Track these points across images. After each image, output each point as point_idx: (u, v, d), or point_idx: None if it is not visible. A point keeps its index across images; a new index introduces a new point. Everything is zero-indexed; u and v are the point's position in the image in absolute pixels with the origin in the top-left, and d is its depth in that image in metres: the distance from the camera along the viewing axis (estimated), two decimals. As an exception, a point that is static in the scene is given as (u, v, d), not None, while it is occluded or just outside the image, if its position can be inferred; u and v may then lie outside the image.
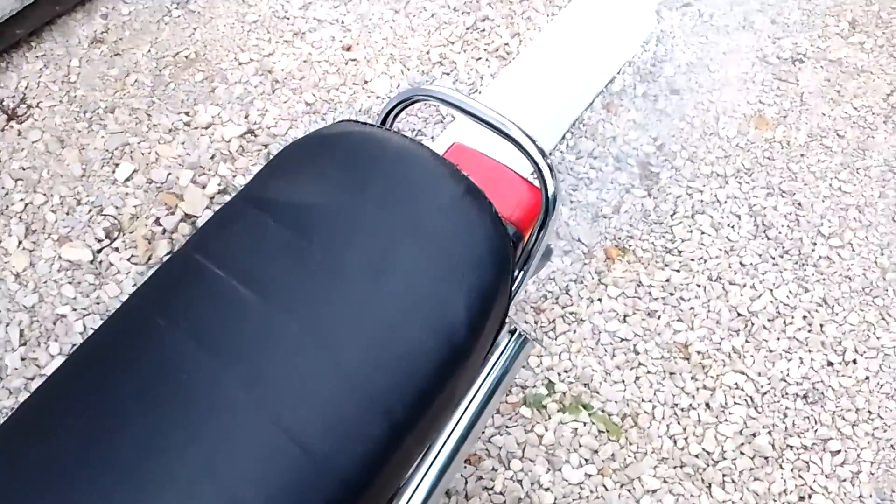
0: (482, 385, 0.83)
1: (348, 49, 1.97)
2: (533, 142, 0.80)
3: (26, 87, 1.83)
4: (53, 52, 1.92)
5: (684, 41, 2.12)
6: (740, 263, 1.63)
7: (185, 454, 0.56)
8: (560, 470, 1.36)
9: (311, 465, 0.58)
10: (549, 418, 1.41)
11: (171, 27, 1.99)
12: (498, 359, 0.85)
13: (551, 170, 0.80)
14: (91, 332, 1.40)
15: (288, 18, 2.03)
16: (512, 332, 0.87)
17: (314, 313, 0.64)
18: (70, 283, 1.49)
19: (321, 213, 0.70)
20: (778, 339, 1.52)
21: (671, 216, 1.70)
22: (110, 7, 2.03)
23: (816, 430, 1.42)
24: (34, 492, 0.55)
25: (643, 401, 1.44)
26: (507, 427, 1.40)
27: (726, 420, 1.43)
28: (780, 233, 1.68)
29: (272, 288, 0.65)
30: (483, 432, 1.39)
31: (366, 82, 1.90)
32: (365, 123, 0.86)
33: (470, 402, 0.81)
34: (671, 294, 1.58)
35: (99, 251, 1.54)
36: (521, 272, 0.86)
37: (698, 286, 1.59)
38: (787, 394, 1.46)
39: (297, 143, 0.82)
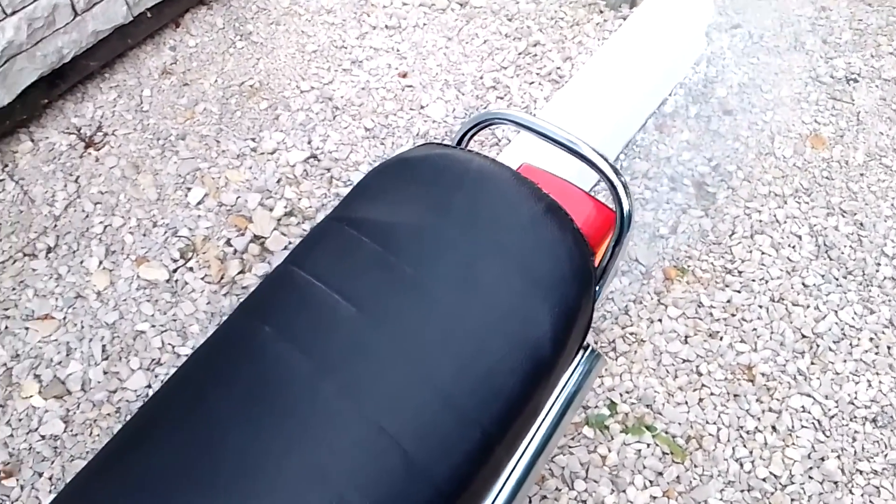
0: (557, 399, 0.84)
1: (404, 76, 2.02)
2: (607, 161, 0.82)
3: (102, 116, 1.93)
4: (126, 82, 2.02)
5: (735, 62, 2.12)
6: (803, 284, 1.62)
7: (293, 457, 0.59)
8: (625, 491, 1.36)
9: (411, 473, 0.60)
10: (612, 439, 1.42)
11: (236, 58, 2.07)
12: (572, 374, 0.87)
13: (625, 187, 0.83)
14: (170, 347, 1.46)
15: (345, 47, 2.10)
16: (585, 348, 0.89)
17: (406, 326, 0.67)
18: (148, 300, 1.56)
19: (409, 231, 0.74)
20: (844, 361, 1.50)
21: (730, 236, 1.70)
22: (178, 40, 2.13)
23: (886, 455, 1.40)
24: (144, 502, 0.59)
25: (707, 423, 1.44)
26: (570, 447, 1.41)
27: (793, 444, 1.41)
28: (842, 253, 1.66)
29: (366, 300, 0.68)
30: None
31: (422, 107, 1.95)
32: (446, 145, 0.89)
33: (546, 416, 0.83)
34: (733, 315, 1.57)
35: (174, 271, 1.61)
36: (597, 289, 0.88)
37: (760, 307, 1.58)
38: (855, 417, 1.44)
39: (383, 165, 0.85)
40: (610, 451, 1.40)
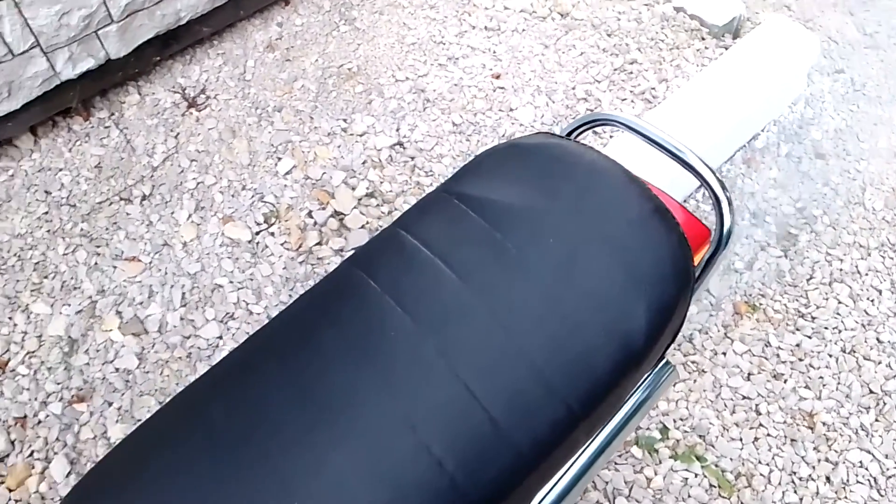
0: (626, 402, 0.85)
1: (497, 77, 2.05)
2: (715, 175, 0.83)
3: (206, 80, 2.02)
4: (232, 51, 2.11)
5: (834, 107, 2.08)
6: (877, 339, 1.57)
7: (387, 403, 0.63)
8: (666, 515, 1.35)
9: (494, 434, 0.63)
10: (660, 463, 1.41)
11: (338, 41, 2.14)
12: (645, 381, 0.87)
13: (730, 203, 0.83)
14: (244, 304, 1.52)
15: (444, 44, 2.15)
16: (660, 359, 0.90)
17: (504, 299, 0.70)
18: (229, 258, 1.63)
19: (518, 212, 0.76)
20: (912, 423, 1.46)
21: (807, 280, 1.67)
22: (285, 17, 2.21)
23: (946, 526, 1.35)
24: (247, 423, 0.63)
25: (760, 462, 1.41)
26: (617, 464, 1.41)
27: (846, 497, 1.38)
28: (924, 314, 1.61)
29: (469, 271, 0.71)
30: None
31: (511, 110, 1.97)
32: (561, 136, 0.91)
33: (613, 416, 0.84)
34: (800, 360, 1.54)
35: (257, 233, 1.68)
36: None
37: (830, 356, 1.54)
38: (917, 482, 1.39)
39: (498, 148, 0.88)
40: (656, 474, 1.39)
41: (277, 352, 0.67)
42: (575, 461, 0.78)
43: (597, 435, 0.79)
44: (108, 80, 1.93)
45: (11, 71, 1.70)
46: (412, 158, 1.86)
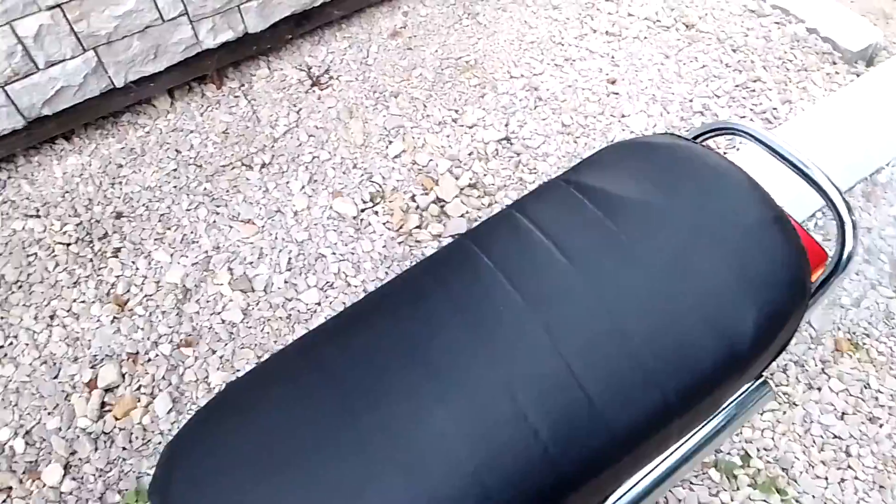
0: (722, 411, 0.84)
1: (613, 82, 2.04)
2: (842, 196, 0.81)
3: (331, 61, 2.12)
4: (358, 36, 2.20)
5: (974, 147, 1.94)
6: None
7: (490, 370, 0.66)
8: (737, 543, 1.32)
9: (590, 414, 0.65)
10: (738, 489, 1.38)
11: (459, 34, 2.19)
12: (742, 395, 0.86)
13: (854, 227, 0.81)
14: (343, 275, 1.60)
15: (562, 45, 2.16)
16: (758, 376, 0.88)
17: (612, 286, 0.71)
18: (335, 230, 1.72)
19: (633, 205, 0.77)
20: None
21: (921, 326, 1.57)
22: (411, 7, 2.29)
23: None
24: (359, 369, 0.68)
25: (844, 505, 1.35)
26: (693, 483, 1.39)
27: (937, 558, 1.30)
28: None
29: (579, 256, 0.73)
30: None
31: (623, 116, 1.96)
32: (686, 138, 0.91)
33: (702, 427, 0.83)
34: (903, 406, 1.46)
35: (362, 210, 1.76)
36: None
37: (937, 407, 1.46)
38: None
39: (622, 143, 0.89)
40: (732, 500, 1.36)
41: (391, 310, 0.72)
42: (664, 460, 0.78)
43: (688, 438, 0.79)
44: (242, 52, 2.06)
45: (160, 35, 1.85)
46: (518, 154, 1.88)
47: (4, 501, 1.36)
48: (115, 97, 1.91)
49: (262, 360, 0.73)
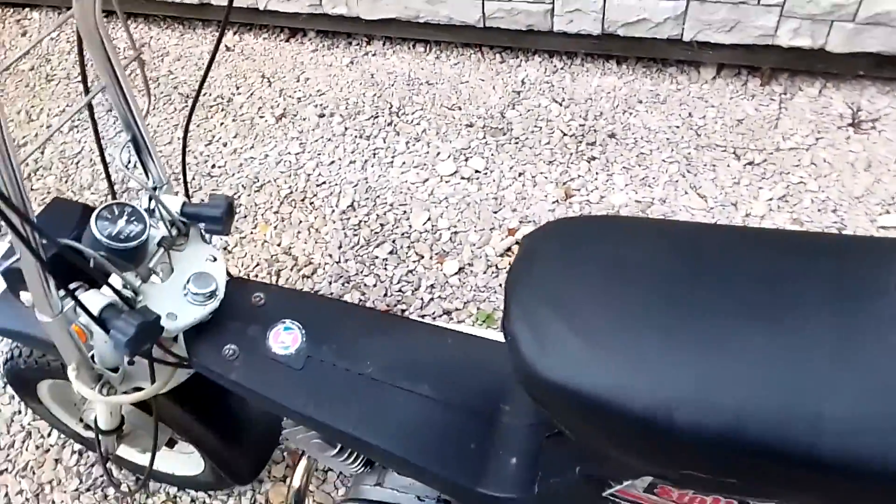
0: None
1: None
2: None
3: (886, 114, 1.97)
4: (935, 104, 1.98)
5: None
6: None
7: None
8: None
9: None
10: None
11: None
12: None
13: None
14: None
15: None
16: None
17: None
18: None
19: None
20: None
21: None
22: None
23: None
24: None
25: None
26: None
27: None
28: None
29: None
30: None
31: None
32: None
33: None
34: None
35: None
36: None
37: None
38: None
39: None
40: None
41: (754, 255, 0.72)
42: None
43: None
44: (805, 64, 2.05)
45: (745, 13, 1.96)
46: None
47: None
48: (676, 47, 2.13)
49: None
